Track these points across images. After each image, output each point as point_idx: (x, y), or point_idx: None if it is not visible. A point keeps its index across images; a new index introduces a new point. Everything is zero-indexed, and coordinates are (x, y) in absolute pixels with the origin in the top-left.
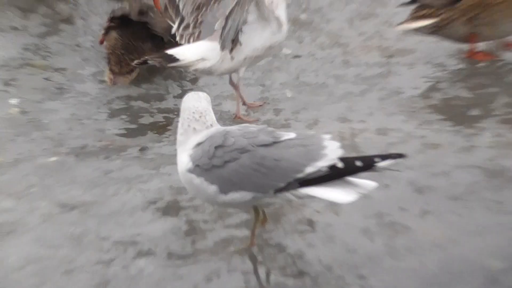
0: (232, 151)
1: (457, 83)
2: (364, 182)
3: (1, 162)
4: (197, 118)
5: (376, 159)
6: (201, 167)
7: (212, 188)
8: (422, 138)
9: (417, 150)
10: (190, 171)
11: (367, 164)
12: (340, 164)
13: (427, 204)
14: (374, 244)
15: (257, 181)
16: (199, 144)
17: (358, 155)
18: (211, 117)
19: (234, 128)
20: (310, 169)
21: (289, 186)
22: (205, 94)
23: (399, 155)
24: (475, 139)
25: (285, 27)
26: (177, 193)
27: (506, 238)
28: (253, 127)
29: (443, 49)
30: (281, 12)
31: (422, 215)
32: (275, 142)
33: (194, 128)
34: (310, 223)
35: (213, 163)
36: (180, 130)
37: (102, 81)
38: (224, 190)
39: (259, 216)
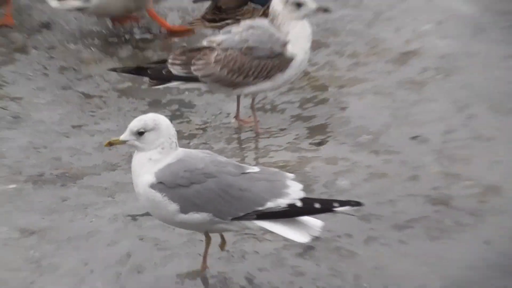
0: (200, 174)
1: (405, 116)
2: (313, 221)
3: None
4: (172, 141)
5: (334, 204)
6: (166, 185)
7: (173, 206)
8: (369, 168)
9: (363, 179)
10: (153, 187)
11: (325, 208)
12: (299, 204)
13: (372, 231)
14: (319, 267)
15: (218, 206)
16: (169, 165)
17: (319, 198)
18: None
19: (202, 153)
20: (270, 204)
21: (246, 216)
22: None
23: (357, 203)
24: (420, 169)
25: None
26: (132, 219)
27: (447, 261)
28: (221, 158)
29: (396, 80)
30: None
31: (367, 241)
32: (242, 173)
33: (163, 150)
34: (260, 248)
35: (179, 182)
36: (153, 151)
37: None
38: (184, 209)
39: (210, 241)
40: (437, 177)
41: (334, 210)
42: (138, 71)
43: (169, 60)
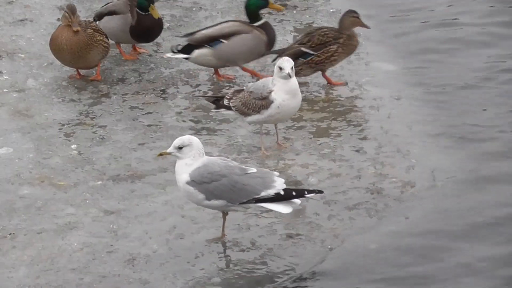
0: (217, 175)
1: (351, 136)
2: (295, 201)
3: (66, 185)
4: (200, 152)
5: (305, 192)
6: (195, 182)
7: (201, 196)
8: (329, 170)
9: (326, 177)
10: (188, 183)
11: (299, 194)
12: (282, 192)
13: (332, 211)
14: (299, 234)
15: (230, 195)
16: (197, 168)
17: (295, 188)
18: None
19: (219, 160)
20: (263, 193)
21: (248, 201)
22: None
23: (320, 191)
24: (362, 171)
25: None
26: (176, 204)
27: (382, 234)
28: (231, 162)
29: (346, 113)
30: None
31: (329, 218)
32: (245, 173)
33: (193, 158)
34: (260, 222)
35: (204, 180)
36: (188, 159)
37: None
38: (208, 198)
39: (225, 217)
40: (372, 176)
41: (305, 196)
42: (211, 99)
43: (226, 95)
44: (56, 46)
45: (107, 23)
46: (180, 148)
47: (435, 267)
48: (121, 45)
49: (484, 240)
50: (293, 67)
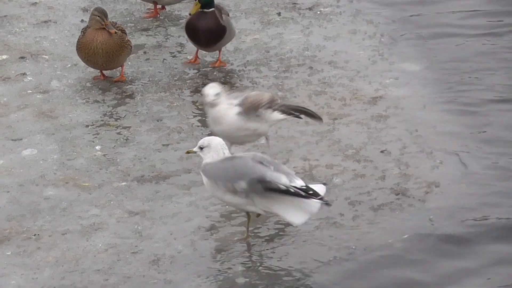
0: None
1: (376, 137)
2: (311, 203)
3: (90, 186)
4: (222, 151)
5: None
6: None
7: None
8: (353, 171)
9: (350, 178)
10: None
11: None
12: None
13: (356, 211)
14: (323, 234)
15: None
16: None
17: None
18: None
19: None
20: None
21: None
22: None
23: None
24: (386, 171)
25: None
26: (201, 205)
27: (407, 234)
28: (257, 162)
29: (370, 113)
30: None
31: (354, 218)
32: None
33: (213, 158)
34: (281, 222)
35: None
36: (209, 159)
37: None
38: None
39: (250, 218)
40: (397, 177)
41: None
42: None
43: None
44: (90, 50)
45: None
46: (201, 148)
47: (460, 268)
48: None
49: (510, 241)
50: (220, 94)
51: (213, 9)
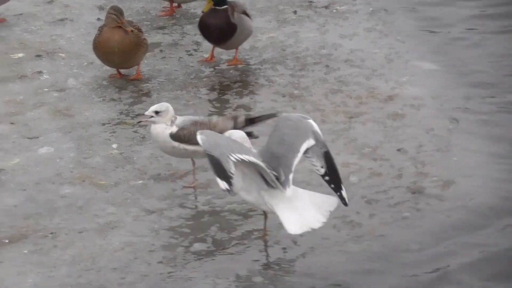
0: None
1: (392, 136)
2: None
3: (107, 184)
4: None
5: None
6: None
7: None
8: (370, 169)
9: (366, 177)
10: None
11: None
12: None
13: (373, 210)
14: (340, 233)
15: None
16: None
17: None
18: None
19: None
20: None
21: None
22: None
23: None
24: (402, 170)
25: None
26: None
27: (423, 233)
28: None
29: (386, 112)
30: None
31: (370, 216)
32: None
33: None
34: None
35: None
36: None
37: None
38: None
39: (267, 217)
40: (413, 175)
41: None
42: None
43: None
44: (107, 49)
45: None
46: (157, 112)
47: (478, 267)
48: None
49: None
50: (159, 113)
51: (225, 6)
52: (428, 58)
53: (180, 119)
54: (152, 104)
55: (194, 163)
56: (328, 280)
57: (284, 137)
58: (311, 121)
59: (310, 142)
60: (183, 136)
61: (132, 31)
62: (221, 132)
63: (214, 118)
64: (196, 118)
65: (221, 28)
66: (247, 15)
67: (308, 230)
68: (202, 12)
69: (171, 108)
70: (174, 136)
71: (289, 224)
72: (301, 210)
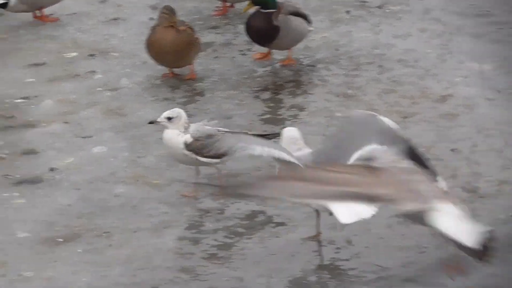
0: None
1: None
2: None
3: (160, 183)
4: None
5: None
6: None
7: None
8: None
9: None
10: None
11: None
12: None
13: None
14: (394, 232)
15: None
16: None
17: None
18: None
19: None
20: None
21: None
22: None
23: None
24: (457, 170)
25: None
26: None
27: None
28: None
29: (439, 111)
30: None
31: None
32: None
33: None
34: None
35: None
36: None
37: None
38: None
39: (319, 215)
40: (468, 175)
41: None
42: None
43: None
44: (159, 49)
45: None
46: (169, 118)
47: None
48: None
49: None
50: (171, 118)
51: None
52: (482, 58)
53: (193, 127)
54: (206, 103)
55: (198, 173)
56: (383, 279)
57: (339, 142)
58: (379, 118)
59: (368, 148)
60: (197, 148)
61: (184, 30)
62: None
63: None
64: (211, 131)
65: (261, 30)
66: (300, 15)
67: (359, 220)
68: (242, 12)
69: (184, 114)
70: (188, 146)
71: (341, 214)
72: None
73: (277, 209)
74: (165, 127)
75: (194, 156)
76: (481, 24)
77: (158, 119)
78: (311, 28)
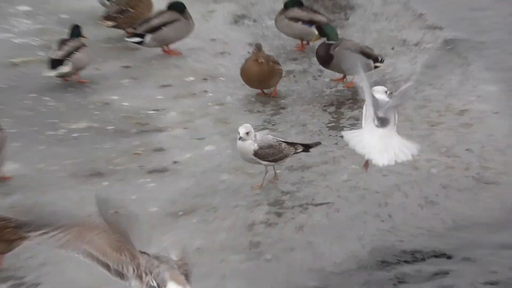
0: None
1: (463, 140)
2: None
3: (254, 173)
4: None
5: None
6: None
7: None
8: (446, 163)
9: (443, 169)
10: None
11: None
12: None
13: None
14: (423, 211)
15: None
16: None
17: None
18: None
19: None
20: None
21: None
22: None
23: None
24: (471, 164)
25: None
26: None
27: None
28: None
29: (459, 122)
30: None
31: (445, 197)
32: None
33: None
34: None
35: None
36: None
37: None
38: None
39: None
40: (478, 168)
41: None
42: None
43: None
44: (247, 76)
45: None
46: (247, 133)
47: None
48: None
49: None
50: (248, 133)
51: (331, 42)
52: (492, 82)
53: (258, 136)
54: (287, 115)
55: (266, 172)
56: (420, 250)
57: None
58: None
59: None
60: (260, 155)
61: (262, 62)
62: (286, 156)
63: (283, 145)
64: (272, 142)
65: (321, 55)
66: (364, 54)
67: (392, 164)
68: (313, 41)
69: (251, 127)
70: (255, 153)
71: (377, 157)
72: (389, 146)
73: (339, 191)
74: (243, 140)
75: (258, 160)
76: (492, 55)
77: (241, 135)
78: (378, 65)
